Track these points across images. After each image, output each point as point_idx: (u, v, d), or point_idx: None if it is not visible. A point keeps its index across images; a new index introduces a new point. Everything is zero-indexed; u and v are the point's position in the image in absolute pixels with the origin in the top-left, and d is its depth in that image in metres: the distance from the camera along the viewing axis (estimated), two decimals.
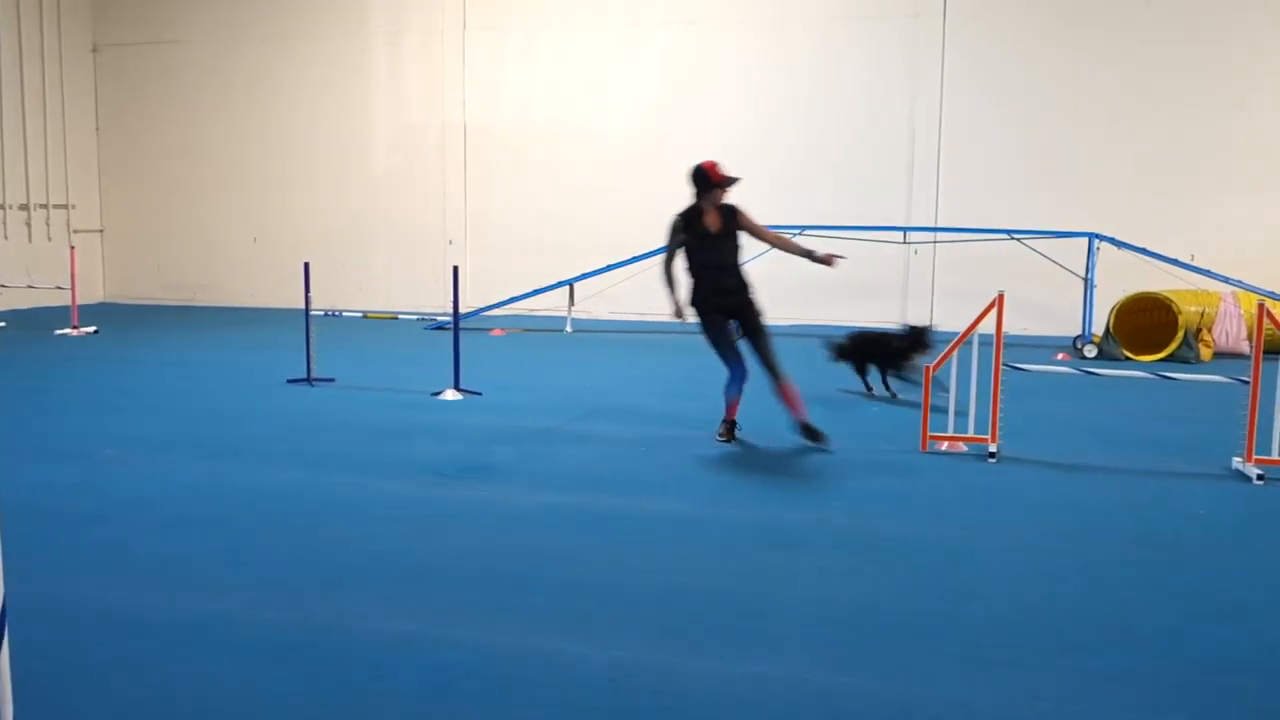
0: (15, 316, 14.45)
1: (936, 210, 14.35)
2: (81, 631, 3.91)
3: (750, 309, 7.11)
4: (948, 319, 13.39)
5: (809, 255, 6.99)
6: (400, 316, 13.12)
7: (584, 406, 8.53)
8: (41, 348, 11.88)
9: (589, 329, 14.06)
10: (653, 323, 14.69)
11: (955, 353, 6.97)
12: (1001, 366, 6.79)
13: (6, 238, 16.09)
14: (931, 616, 4.14)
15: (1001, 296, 6.74)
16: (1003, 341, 6.77)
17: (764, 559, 4.84)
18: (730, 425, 7.24)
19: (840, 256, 6.82)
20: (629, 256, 13.82)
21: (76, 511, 5.46)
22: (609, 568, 4.67)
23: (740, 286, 7.10)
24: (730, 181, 6.95)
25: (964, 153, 14.21)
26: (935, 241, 14.20)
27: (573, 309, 14.18)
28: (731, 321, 7.15)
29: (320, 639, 3.84)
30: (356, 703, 3.36)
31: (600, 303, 14.81)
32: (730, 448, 7.11)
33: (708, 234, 7.02)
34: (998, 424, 6.82)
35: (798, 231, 13.52)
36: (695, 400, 8.95)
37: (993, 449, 6.78)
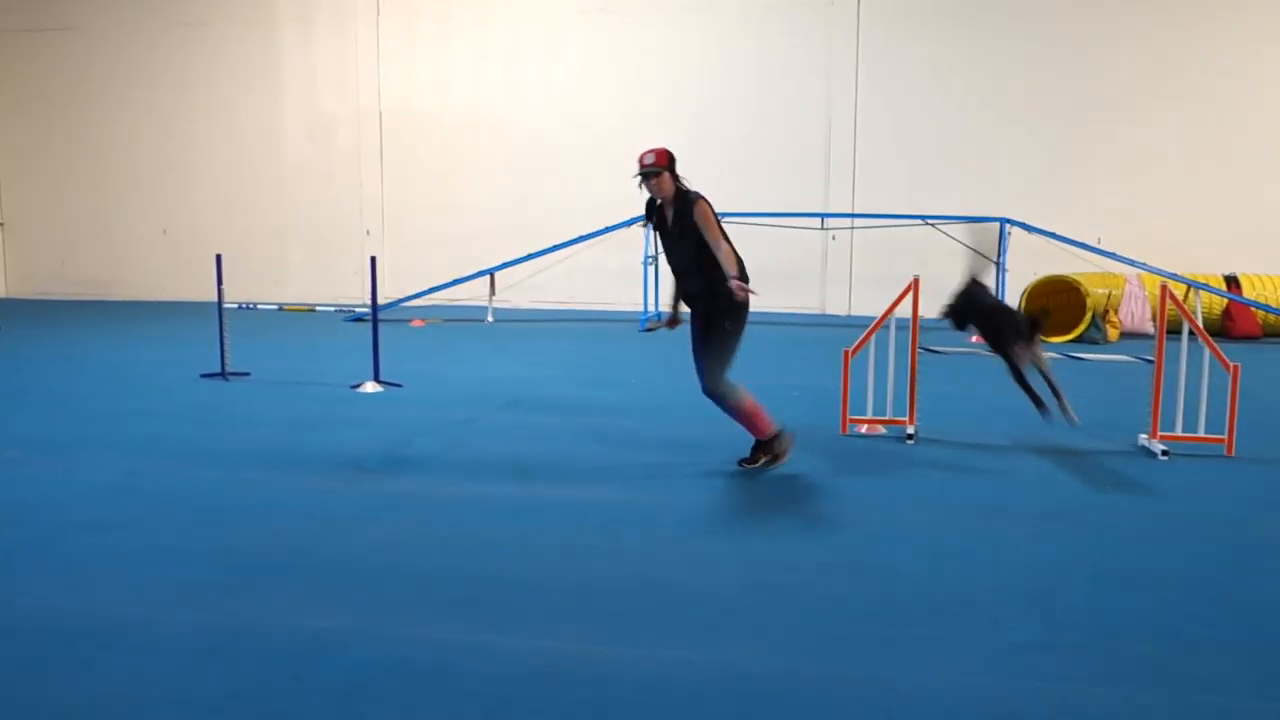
0: None
1: (853, 197, 14.56)
2: (5, 636, 3.78)
3: (712, 320, 6.01)
4: (864, 304, 13.65)
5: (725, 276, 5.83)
6: (318, 309, 12.91)
7: (505, 396, 8.48)
8: None
9: (510, 319, 13.98)
10: (573, 311, 14.68)
11: (873, 337, 7.08)
12: (918, 350, 6.92)
13: None
14: (852, 596, 4.20)
15: (917, 280, 6.86)
16: (918, 325, 6.90)
17: (686, 545, 4.87)
18: (763, 443, 6.16)
19: (752, 292, 5.78)
20: (548, 246, 13.80)
21: None
22: (535, 558, 4.65)
23: (704, 292, 5.99)
24: (641, 172, 5.95)
25: (879, 139, 14.44)
26: (852, 228, 14.41)
27: (493, 299, 14.09)
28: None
29: (241, 638, 3.77)
30: (280, 701, 3.31)
31: (520, 292, 14.75)
32: (646, 432, 7.12)
33: (664, 229, 6.12)
34: (915, 406, 6.94)
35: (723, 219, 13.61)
36: (615, 389, 8.98)
37: (910, 430, 6.91)
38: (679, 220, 5.95)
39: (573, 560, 4.63)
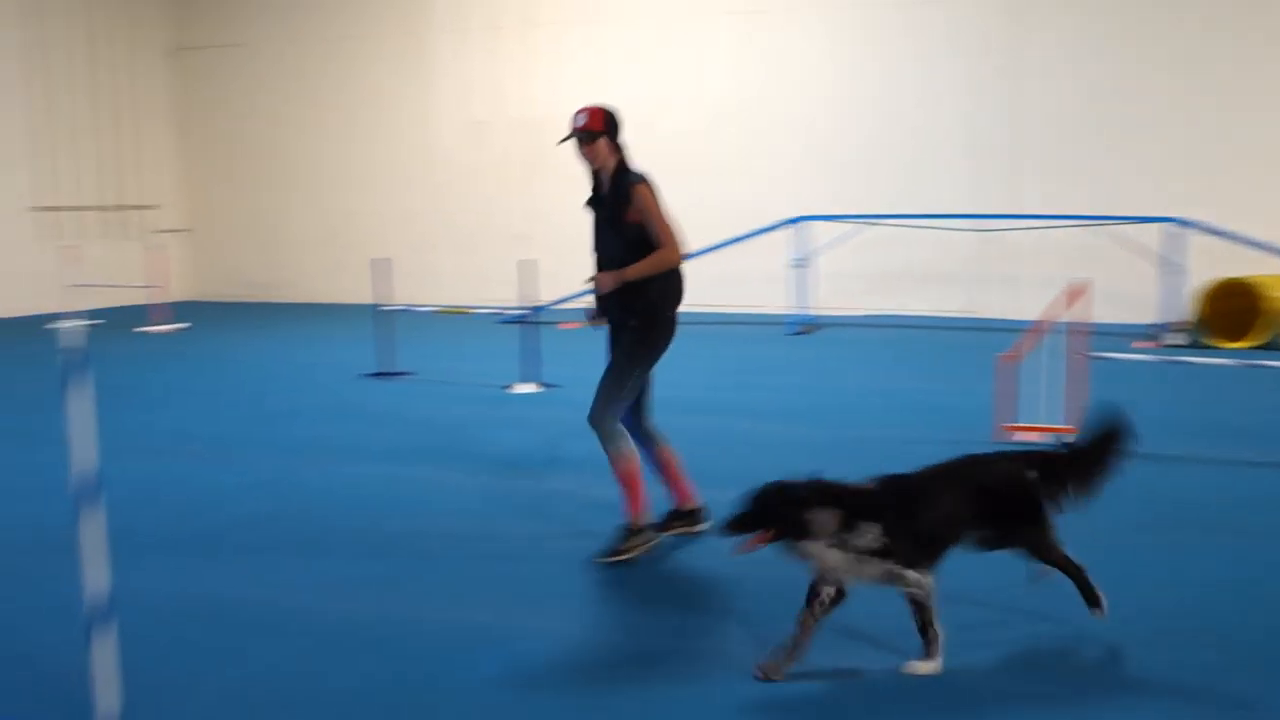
0: (108, 315, 14.90)
1: (1012, 196, 14.09)
2: (175, 621, 4.03)
3: (622, 334, 4.90)
4: (1022, 308, 13.20)
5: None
6: (472, 311, 13.26)
7: (655, 398, 8.54)
8: (131, 345, 12.25)
9: None
10: (719, 314, 14.68)
11: (1029, 342, 6.86)
12: (1080, 355, 6.68)
13: (98, 239, 16.58)
14: (996, 603, 4.08)
15: (1080, 284, 6.62)
16: (1081, 329, 6.65)
17: None
18: (626, 528, 4.76)
19: (600, 289, 4.83)
20: (695, 250, 13.84)
21: (165, 505, 5.62)
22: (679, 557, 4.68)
23: (613, 299, 4.83)
24: (571, 135, 4.84)
25: (1039, 137, 13.93)
26: (1009, 229, 13.96)
27: None
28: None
29: (397, 630, 3.91)
30: (434, 693, 3.42)
31: None
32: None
33: (597, 210, 5.00)
34: (1076, 414, 6.70)
35: (868, 221, 13.42)
36: (763, 391, 8.94)
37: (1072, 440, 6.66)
38: (611, 204, 4.84)
39: (718, 557, 4.64)
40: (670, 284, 4.79)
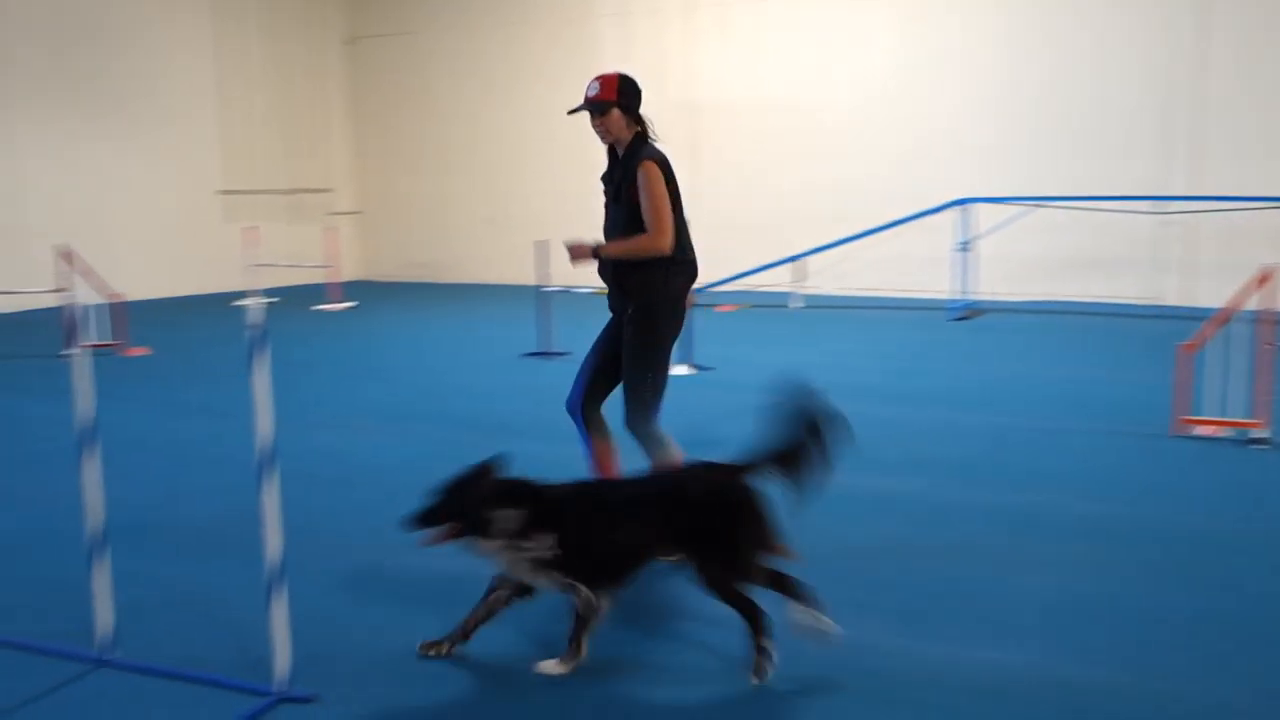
0: (281, 293, 15.68)
1: (1192, 177, 13.35)
2: (356, 588, 4.23)
3: (628, 325, 4.52)
4: (1203, 295, 12.50)
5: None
6: None
7: (811, 383, 8.45)
8: (305, 322, 12.85)
9: (818, 305, 13.91)
10: (880, 298, 14.40)
11: (1216, 330, 6.50)
12: (1268, 345, 6.29)
13: (275, 220, 17.44)
14: (1179, 609, 3.90)
15: (1270, 269, 6.24)
16: (1269, 317, 6.27)
17: (995, 543, 4.69)
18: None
19: (579, 261, 4.60)
20: (856, 232, 13.62)
21: (330, 477, 5.88)
22: (835, 546, 4.63)
23: (612, 283, 4.56)
24: (583, 106, 4.62)
25: (1222, 115, 13.11)
26: (1189, 211, 13.23)
27: (799, 284, 14.07)
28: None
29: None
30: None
31: (827, 278, 14.64)
32: (960, 421, 6.88)
33: (606, 187, 4.70)
34: (1266, 407, 6.32)
35: (1037, 204, 12.95)
36: (926, 378, 8.75)
37: (1259, 434, 6.29)
38: (619, 179, 4.48)
39: (879, 553, 4.57)
40: (669, 275, 4.40)
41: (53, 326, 11.39)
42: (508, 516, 3.30)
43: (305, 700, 3.21)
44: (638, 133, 4.49)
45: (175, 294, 15.79)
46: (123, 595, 3.62)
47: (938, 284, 13.65)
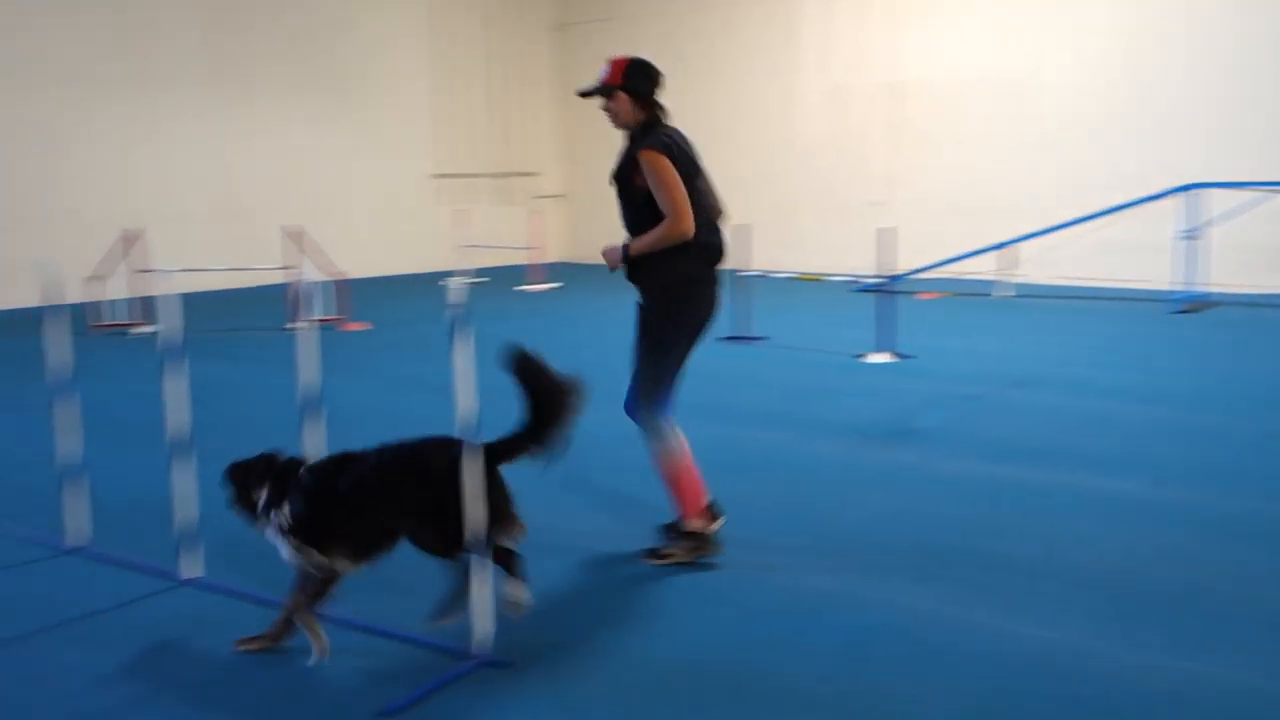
0: (490, 273, 16.24)
1: None
2: (566, 556, 4.35)
3: (638, 314, 4.42)
4: None
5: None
6: (827, 279, 13.22)
7: (1016, 374, 8.14)
8: (511, 302, 13.29)
9: (1025, 294, 13.35)
10: (1093, 288, 13.68)
11: None
12: None
13: (485, 203, 18.08)
14: None
15: None
16: None
17: (1216, 549, 4.39)
18: (676, 527, 4.35)
19: (614, 266, 4.44)
20: (1069, 219, 12.96)
21: None
22: (1040, 544, 4.45)
23: (632, 274, 4.40)
24: (592, 90, 4.49)
25: None
26: None
27: (1007, 272, 13.52)
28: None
29: (744, 587, 4.00)
30: (777, 652, 3.48)
31: (1035, 266, 14.01)
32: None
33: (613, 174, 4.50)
34: None
35: (1277, 189, 12.01)
36: (1142, 373, 8.27)
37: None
38: (622, 167, 4.34)
39: (1081, 552, 4.36)
40: (674, 262, 4.22)
41: (278, 301, 12.18)
42: (262, 491, 3.47)
43: (503, 665, 3.33)
44: (648, 118, 4.34)
45: (389, 273, 16.60)
46: None
47: (1158, 274, 12.85)
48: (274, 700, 3.16)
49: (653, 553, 4.29)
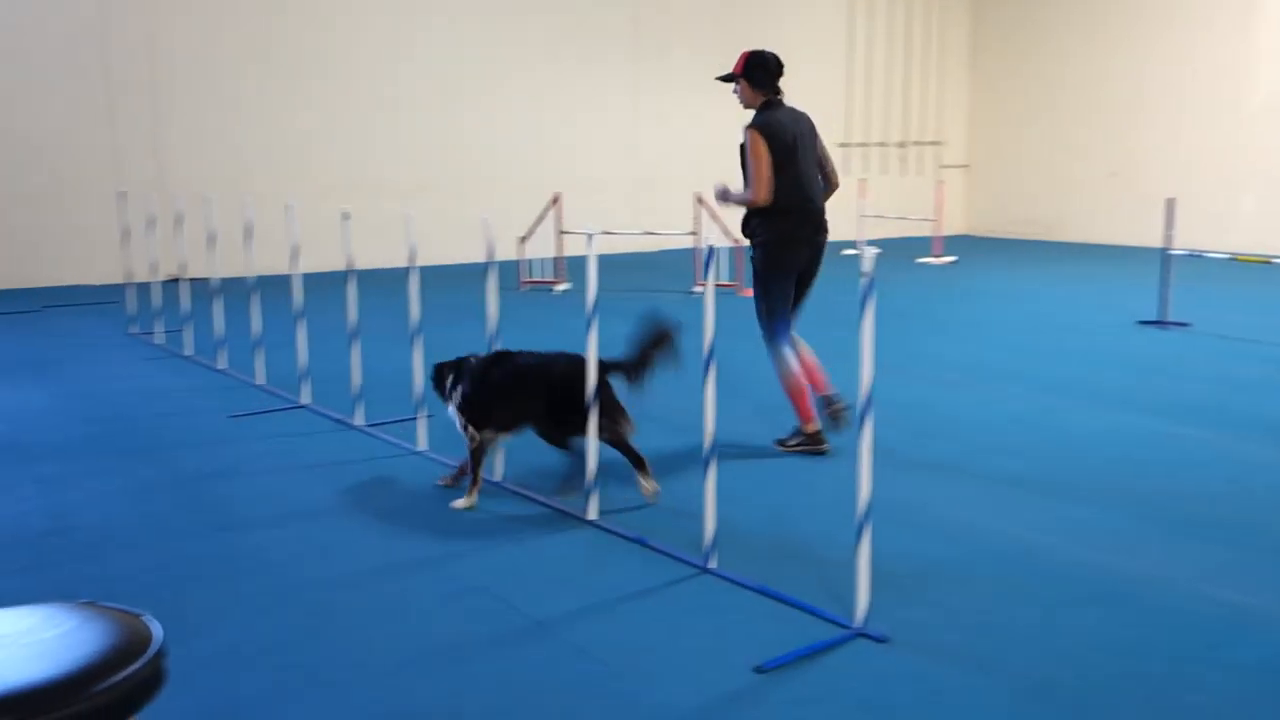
0: (887, 245, 16.01)
1: None
2: (922, 538, 4.28)
3: (752, 263, 5.64)
4: None
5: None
6: (1275, 261, 11.79)
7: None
8: (905, 274, 13.04)
9: None
10: None
11: None
12: None
13: (884, 173, 17.81)
14: None
15: None
16: None
17: None
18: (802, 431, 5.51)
19: (724, 202, 5.47)
20: None
21: (912, 427, 5.93)
22: None
23: (746, 228, 5.58)
24: (721, 78, 5.65)
25: None
26: None
27: None
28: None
29: (1141, 590, 3.71)
30: (1191, 667, 3.19)
31: None
32: None
33: None
34: None
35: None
36: None
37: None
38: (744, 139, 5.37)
39: None
40: (779, 221, 5.32)
41: (684, 265, 12.74)
42: (448, 382, 4.76)
43: (880, 640, 3.32)
44: (764, 101, 5.35)
45: None
46: (723, 510, 3.99)
47: None
48: (655, 640, 3.36)
49: (780, 442, 5.50)
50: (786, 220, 5.32)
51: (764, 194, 5.23)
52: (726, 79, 5.44)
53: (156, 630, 1.82)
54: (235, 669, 3.18)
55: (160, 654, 1.78)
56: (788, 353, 5.40)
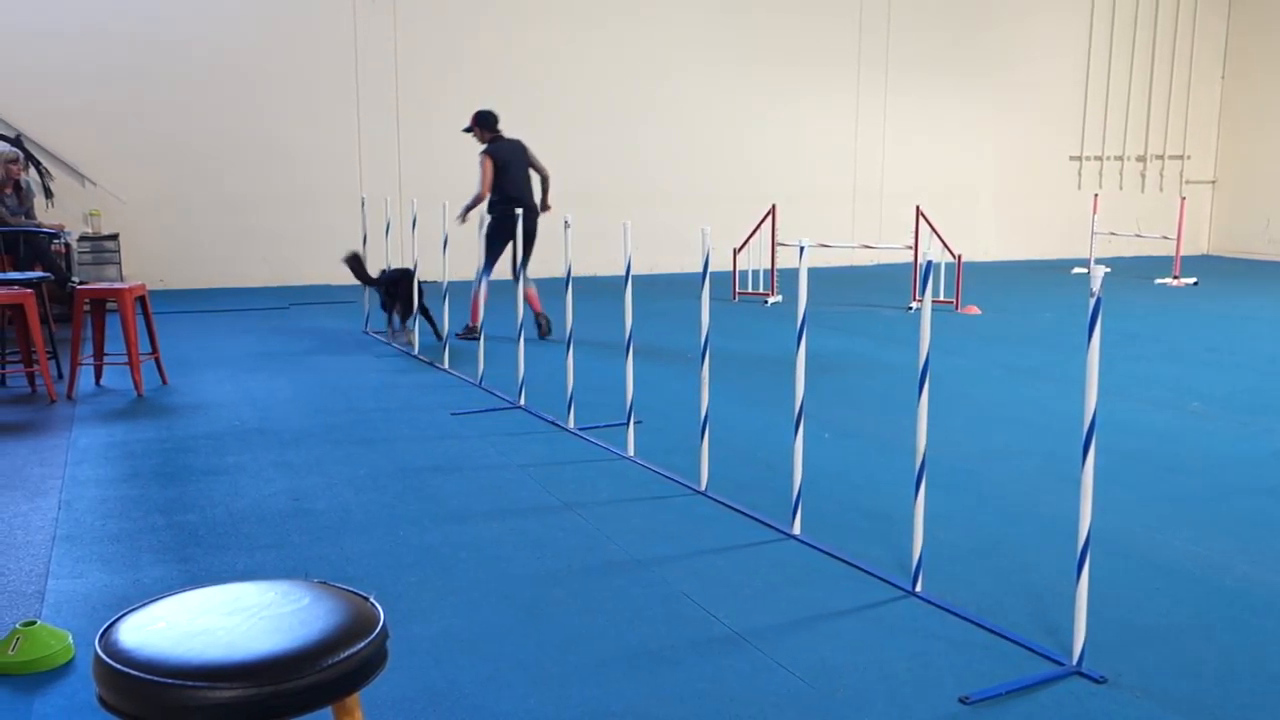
0: (1120, 264, 15.16)
1: None
2: (1142, 577, 4.03)
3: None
4: None
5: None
6: None
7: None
8: (1141, 295, 12.29)
9: None
10: None
11: None
12: None
13: (1121, 188, 16.88)
14: None
15: None
16: None
17: None
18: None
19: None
20: None
21: (1153, 459, 5.59)
22: None
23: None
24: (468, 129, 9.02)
25: None
26: None
27: None
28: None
29: None
30: None
31: None
32: None
33: None
34: None
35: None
36: None
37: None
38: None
39: None
40: (497, 209, 8.61)
41: (902, 281, 12.47)
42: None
43: (1098, 680, 3.15)
44: (491, 137, 8.81)
45: (1021, 258, 16.23)
46: (933, 532, 3.88)
47: None
48: (858, 660, 3.30)
49: (458, 335, 9.18)
50: (505, 206, 8.45)
51: (486, 192, 8.62)
52: (467, 130, 8.84)
53: (380, 612, 1.94)
54: (450, 654, 3.33)
55: (384, 635, 1.89)
56: (486, 282, 8.27)
